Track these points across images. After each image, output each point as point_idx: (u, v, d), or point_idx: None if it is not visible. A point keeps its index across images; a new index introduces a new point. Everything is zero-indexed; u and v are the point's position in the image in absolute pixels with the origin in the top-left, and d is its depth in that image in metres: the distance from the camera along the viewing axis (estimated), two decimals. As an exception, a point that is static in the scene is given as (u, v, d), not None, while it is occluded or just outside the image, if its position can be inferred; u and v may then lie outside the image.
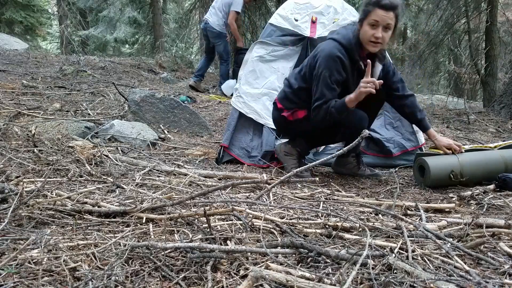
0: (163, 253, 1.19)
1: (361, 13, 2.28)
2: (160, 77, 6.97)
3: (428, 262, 1.21)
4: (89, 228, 1.40)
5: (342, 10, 3.18)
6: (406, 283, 1.01)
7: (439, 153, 2.64)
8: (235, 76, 6.39)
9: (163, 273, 1.09)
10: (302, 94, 2.46)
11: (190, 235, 1.34)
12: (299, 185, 2.29)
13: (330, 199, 1.99)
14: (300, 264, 1.17)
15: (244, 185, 2.04)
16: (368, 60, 2.21)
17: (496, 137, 4.39)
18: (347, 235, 1.42)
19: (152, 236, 1.35)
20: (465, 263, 1.21)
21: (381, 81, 2.24)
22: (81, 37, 12.67)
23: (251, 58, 3.17)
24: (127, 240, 1.28)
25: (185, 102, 4.60)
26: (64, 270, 1.05)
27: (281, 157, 2.68)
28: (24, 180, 1.82)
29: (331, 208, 1.82)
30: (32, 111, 3.56)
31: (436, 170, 2.33)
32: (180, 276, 1.07)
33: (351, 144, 1.65)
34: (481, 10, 6.82)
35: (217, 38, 5.93)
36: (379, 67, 2.42)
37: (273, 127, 2.87)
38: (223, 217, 1.55)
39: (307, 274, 1.05)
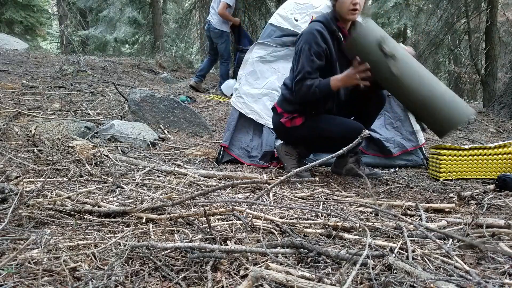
0: (163, 253, 1.19)
1: None
2: (160, 77, 6.97)
3: (428, 262, 1.21)
4: (89, 228, 1.40)
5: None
6: (406, 283, 1.01)
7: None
8: (235, 76, 6.40)
9: (163, 273, 1.09)
10: None
11: (190, 235, 1.34)
12: (299, 185, 2.29)
13: (330, 199, 1.99)
14: (300, 264, 1.17)
15: (244, 185, 2.04)
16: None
17: (496, 137, 4.39)
18: (347, 235, 1.42)
19: (152, 236, 1.35)
20: (465, 263, 1.21)
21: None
22: (81, 37, 12.66)
23: (251, 59, 3.17)
24: (127, 240, 1.27)
25: (185, 102, 4.60)
26: (64, 270, 1.05)
27: (281, 156, 2.68)
28: (24, 180, 1.83)
29: (331, 208, 1.82)
30: (32, 111, 3.57)
31: (369, 28, 2.14)
32: (180, 276, 1.07)
33: (351, 145, 1.65)
34: (481, 10, 6.82)
35: (220, 37, 6.00)
36: None
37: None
38: (223, 217, 1.56)
39: (307, 274, 1.05)
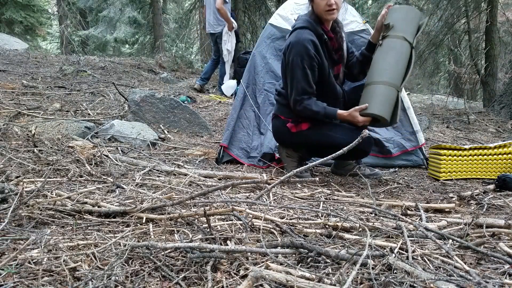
0: (163, 253, 1.19)
1: None
2: (160, 77, 6.97)
3: (428, 262, 1.21)
4: (89, 228, 1.40)
5: (342, 10, 3.18)
6: (406, 283, 1.01)
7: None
8: (236, 76, 6.41)
9: (163, 273, 1.09)
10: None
11: (190, 235, 1.34)
12: (299, 185, 2.29)
13: (330, 199, 1.99)
14: (300, 264, 1.17)
15: (244, 185, 2.04)
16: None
17: (496, 137, 4.39)
18: (347, 235, 1.42)
19: (152, 236, 1.35)
20: (465, 263, 1.21)
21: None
22: (81, 37, 12.67)
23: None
24: (127, 240, 1.27)
25: (185, 102, 4.60)
26: (64, 270, 1.05)
27: (282, 157, 2.67)
28: (24, 180, 1.83)
29: (331, 208, 1.82)
30: (32, 111, 3.57)
31: None
32: (180, 276, 1.07)
33: (350, 145, 1.66)
34: (481, 10, 6.82)
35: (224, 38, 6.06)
36: (344, 37, 2.53)
37: None
38: (223, 217, 1.56)
39: (307, 274, 1.05)
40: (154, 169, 2.34)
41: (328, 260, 1.16)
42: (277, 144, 2.84)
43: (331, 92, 2.46)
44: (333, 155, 1.73)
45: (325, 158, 1.75)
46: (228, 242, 1.31)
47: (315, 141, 2.49)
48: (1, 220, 1.36)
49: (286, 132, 2.53)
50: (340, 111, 2.35)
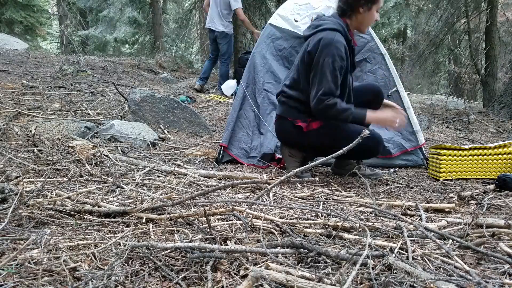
0: (163, 253, 1.19)
1: None
2: (160, 77, 6.97)
3: (428, 262, 1.21)
4: (89, 228, 1.40)
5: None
6: (406, 283, 1.01)
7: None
8: (236, 76, 6.41)
9: (163, 273, 1.09)
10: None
11: (190, 235, 1.34)
12: (299, 185, 2.29)
13: (330, 199, 1.99)
14: (300, 264, 1.17)
15: (244, 185, 2.04)
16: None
17: (496, 137, 4.39)
18: (347, 235, 1.42)
19: (152, 236, 1.35)
20: (465, 263, 1.21)
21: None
22: (81, 37, 12.65)
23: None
24: (127, 240, 1.27)
25: (185, 102, 4.61)
26: (64, 270, 1.05)
27: (285, 157, 2.66)
28: (24, 180, 1.82)
29: (331, 208, 1.82)
30: (32, 111, 3.57)
31: None
32: (180, 276, 1.07)
33: (350, 145, 1.65)
34: (481, 10, 6.83)
35: (224, 38, 6.11)
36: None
37: None
38: (223, 217, 1.56)
39: (307, 274, 1.05)
40: (154, 169, 2.34)
41: (328, 260, 1.16)
42: (279, 143, 2.83)
43: (347, 97, 2.45)
44: (333, 155, 1.73)
45: (325, 158, 1.75)
46: (228, 242, 1.31)
47: (324, 142, 2.43)
48: (1, 220, 1.36)
49: (294, 132, 2.49)
50: (370, 113, 2.36)
